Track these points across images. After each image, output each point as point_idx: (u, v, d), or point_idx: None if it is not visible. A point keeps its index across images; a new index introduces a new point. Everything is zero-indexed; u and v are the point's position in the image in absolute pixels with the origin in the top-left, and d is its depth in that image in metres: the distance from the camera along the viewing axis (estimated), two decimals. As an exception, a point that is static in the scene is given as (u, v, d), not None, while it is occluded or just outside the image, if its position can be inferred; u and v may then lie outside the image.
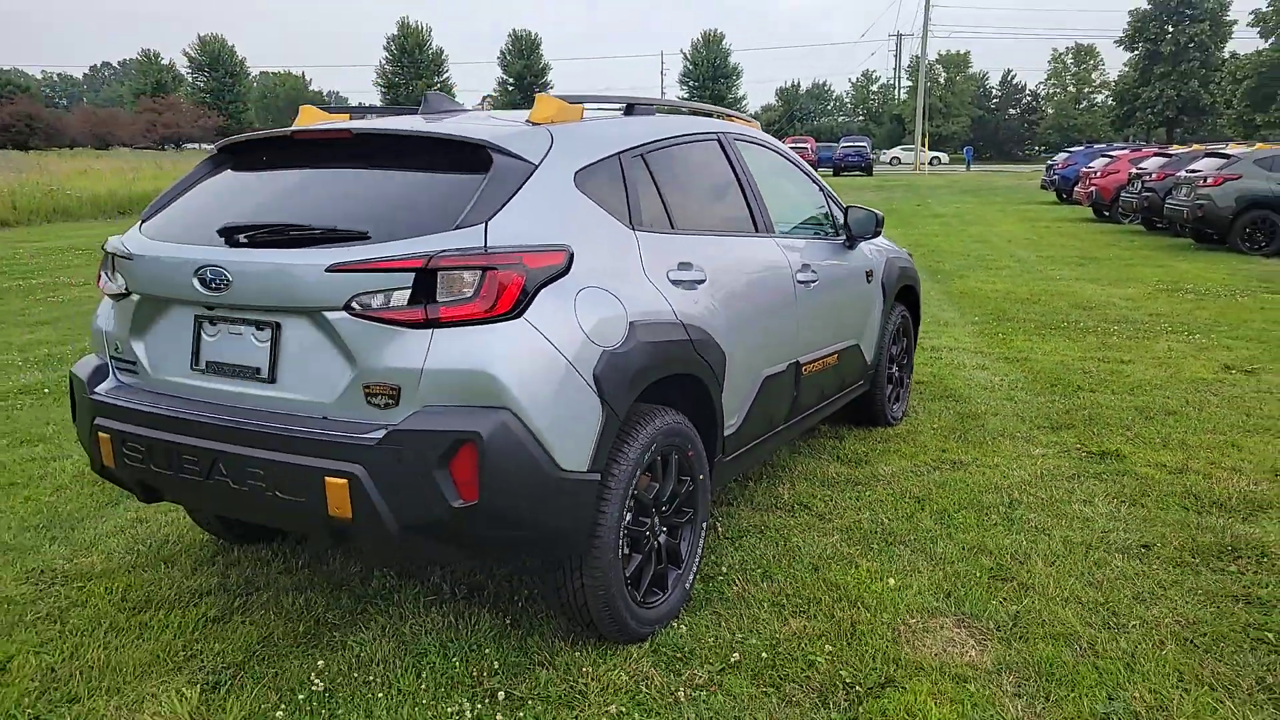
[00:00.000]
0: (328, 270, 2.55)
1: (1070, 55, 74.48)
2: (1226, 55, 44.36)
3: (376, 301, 2.52)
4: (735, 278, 3.57)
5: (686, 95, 78.22)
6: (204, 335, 2.86)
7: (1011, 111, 76.19)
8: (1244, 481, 4.39)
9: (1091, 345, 7.81)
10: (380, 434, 2.49)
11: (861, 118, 79.67)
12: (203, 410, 2.78)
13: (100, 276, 3.18)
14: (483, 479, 2.45)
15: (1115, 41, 47.24)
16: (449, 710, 2.66)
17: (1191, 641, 2.95)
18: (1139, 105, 44.45)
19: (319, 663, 2.90)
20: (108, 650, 3.00)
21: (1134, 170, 18.39)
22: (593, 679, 2.80)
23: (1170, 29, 43.63)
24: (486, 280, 2.51)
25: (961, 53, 73.35)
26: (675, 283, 3.16)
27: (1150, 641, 2.95)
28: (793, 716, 2.61)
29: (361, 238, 2.62)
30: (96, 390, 3.06)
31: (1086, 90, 74.11)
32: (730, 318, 3.41)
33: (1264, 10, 39.42)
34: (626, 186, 3.16)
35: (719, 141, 3.92)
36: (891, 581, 3.37)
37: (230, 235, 2.77)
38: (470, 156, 2.80)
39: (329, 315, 2.57)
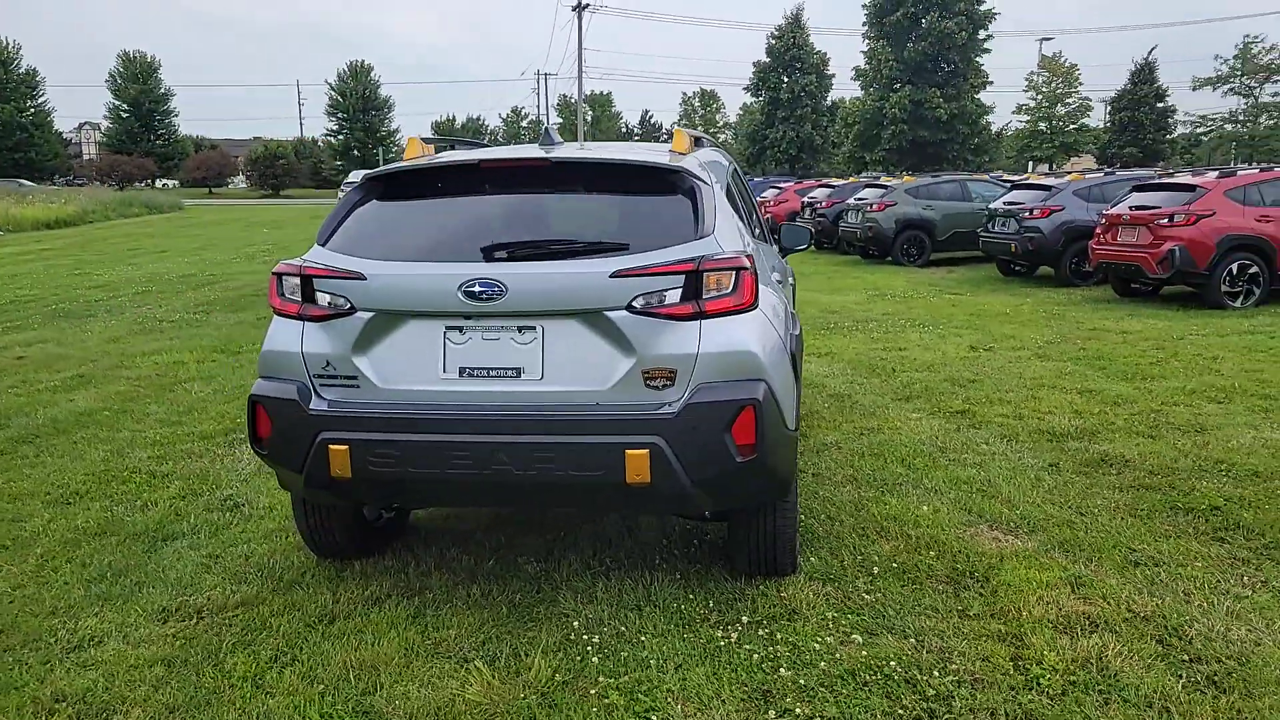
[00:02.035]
0: (612, 276, 3.03)
1: (697, 99, 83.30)
2: (830, 103, 52.87)
3: (654, 300, 3.05)
4: (774, 278, 4.40)
5: (336, 128, 76.01)
6: (451, 343, 3.14)
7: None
8: (1064, 420, 5.99)
9: (865, 340, 9.53)
10: (674, 409, 3.01)
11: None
12: (468, 410, 3.07)
13: (288, 302, 3.28)
14: (758, 437, 3.07)
15: (744, 88, 54.19)
16: (715, 635, 3.21)
17: (1141, 516, 4.26)
18: (767, 145, 51.32)
19: (574, 623, 3.30)
20: (349, 651, 3.13)
21: (805, 199, 21.57)
22: (792, 599, 3.48)
23: (786, 79, 50.88)
24: (740, 278, 3.13)
25: (604, 93, 78.99)
26: (776, 281, 3.93)
27: (1118, 519, 4.22)
28: (948, 597, 3.49)
29: (622, 249, 3.11)
30: (314, 407, 3.17)
31: (712, 130, 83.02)
32: (782, 310, 4.23)
33: (863, 68, 47.78)
34: (734, 203, 3.88)
35: (734, 167, 4.73)
36: (925, 509, 4.38)
37: (489, 252, 3.11)
38: (665, 180, 3.38)
39: (611, 314, 3.04)
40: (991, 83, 46.14)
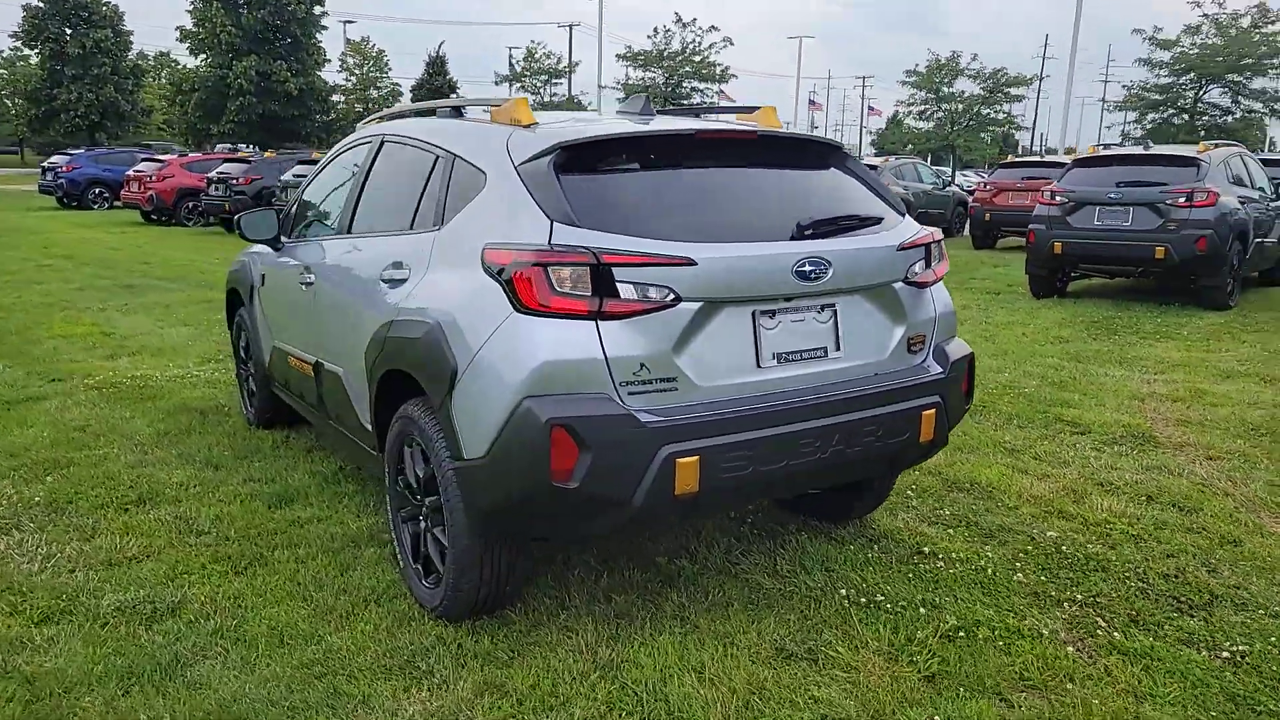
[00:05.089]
0: (898, 249, 3.15)
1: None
2: (134, 63, 46.48)
3: (916, 270, 3.26)
4: None
5: None
6: (763, 329, 2.89)
7: None
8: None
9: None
10: (942, 369, 3.29)
11: None
12: (798, 396, 2.91)
13: (564, 298, 2.60)
14: (970, 385, 3.50)
15: (11, 35, 44.27)
16: (920, 569, 3.57)
17: (972, 421, 5.59)
18: (59, 107, 43.00)
19: (840, 592, 3.35)
20: (710, 689, 2.75)
21: (214, 174, 19.30)
22: (910, 530, 3.95)
23: (70, 31, 43.28)
24: (942, 250, 3.48)
25: None
26: None
27: (961, 426, 5.48)
28: (979, 500, 4.31)
29: (877, 222, 3.22)
30: (646, 420, 2.62)
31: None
32: None
33: (190, 29, 42.81)
34: None
35: None
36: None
37: (801, 229, 2.94)
38: (830, 156, 3.48)
39: (895, 286, 3.16)
40: (330, 60, 45.97)
